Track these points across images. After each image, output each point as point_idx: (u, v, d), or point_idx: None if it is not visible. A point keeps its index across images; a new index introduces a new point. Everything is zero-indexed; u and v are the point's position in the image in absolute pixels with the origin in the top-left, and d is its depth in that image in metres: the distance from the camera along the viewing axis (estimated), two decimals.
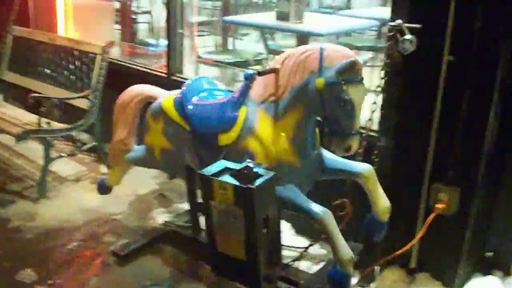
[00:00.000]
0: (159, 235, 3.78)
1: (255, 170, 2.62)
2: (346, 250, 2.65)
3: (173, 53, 4.57)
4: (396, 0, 3.06)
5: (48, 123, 4.42)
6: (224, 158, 2.83)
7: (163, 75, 4.69)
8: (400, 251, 3.13)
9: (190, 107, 3.09)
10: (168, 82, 4.43)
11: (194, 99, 3.11)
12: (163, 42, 5.21)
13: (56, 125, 4.58)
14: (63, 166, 4.90)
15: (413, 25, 2.94)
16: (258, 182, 2.56)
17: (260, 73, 2.83)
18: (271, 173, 2.62)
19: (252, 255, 2.70)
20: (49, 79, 5.19)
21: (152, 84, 3.61)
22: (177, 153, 3.21)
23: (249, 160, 2.66)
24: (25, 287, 3.37)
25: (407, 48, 2.94)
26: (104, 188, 3.96)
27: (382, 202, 2.84)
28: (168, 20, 4.52)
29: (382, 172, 3.00)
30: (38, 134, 4.42)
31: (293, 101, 2.69)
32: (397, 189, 3.12)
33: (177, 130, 3.14)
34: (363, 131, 3.04)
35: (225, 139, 2.90)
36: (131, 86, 3.62)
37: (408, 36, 2.92)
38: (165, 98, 3.27)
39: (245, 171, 2.62)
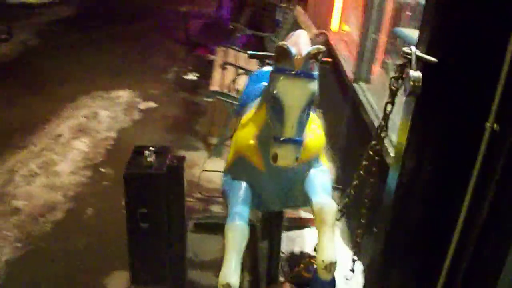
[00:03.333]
0: None
1: (149, 159, 2.37)
2: (225, 274, 2.07)
3: (361, 60, 3.96)
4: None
5: None
6: None
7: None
8: None
9: None
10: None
11: None
12: None
13: None
14: None
15: (428, 57, 1.91)
16: (133, 170, 2.32)
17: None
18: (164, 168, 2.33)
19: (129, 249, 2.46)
20: None
21: None
22: None
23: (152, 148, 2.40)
24: None
25: (408, 88, 1.95)
26: None
27: (321, 254, 2.08)
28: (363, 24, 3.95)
29: None
30: None
31: (264, 94, 2.30)
32: None
33: None
34: None
35: None
36: None
37: (414, 73, 1.91)
38: None
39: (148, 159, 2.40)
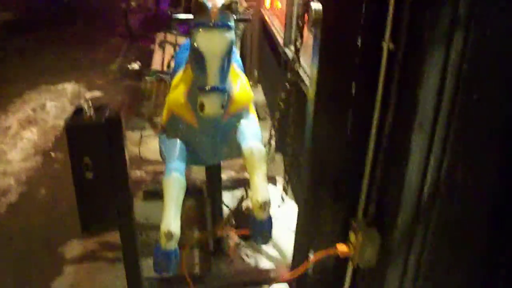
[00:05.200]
0: None
1: (88, 114, 2.55)
2: (166, 223, 2.22)
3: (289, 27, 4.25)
4: None
5: None
6: None
7: None
8: None
9: None
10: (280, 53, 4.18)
11: None
12: None
13: None
14: None
15: None
16: (74, 122, 2.49)
17: None
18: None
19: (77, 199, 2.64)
20: None
21: None
22: None
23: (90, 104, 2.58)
24: None
25: (311, 19, 2.20)
26: None
27: (255, 194, 2.25)
28: None
29: None
30: None
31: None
32: None
33: None
34: None
35: None
36: None
37: (315, 5, 2.17)
38: None
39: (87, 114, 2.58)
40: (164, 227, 2.20)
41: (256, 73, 6.68)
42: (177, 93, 2.41)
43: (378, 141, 2.18)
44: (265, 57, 6.21)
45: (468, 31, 1.78)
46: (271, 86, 5.34)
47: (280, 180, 4.05)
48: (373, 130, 2.20)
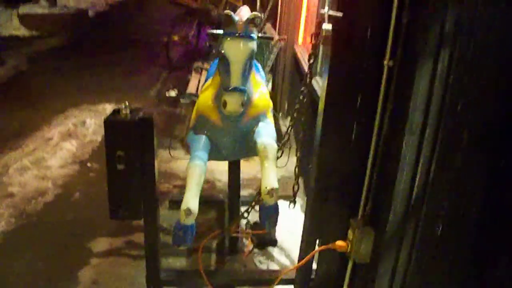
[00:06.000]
0: None
1: (124, 112, 2.90)
2: (186, 201, 2.56)
3: None
4: None
5: None
6: None
7: None
8: None
9: None
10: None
11: None
12: None
13: None
14: None
15: (336, 13, 2.47)
16: (111, 119, 2.85)
17: None
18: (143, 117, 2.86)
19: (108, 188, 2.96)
20: None
21: None
22: None
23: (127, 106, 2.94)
24: None
25: (321, 37, 2.53)
26: None
27: (264, 181, 2.58)
28: None
29: None
30: None
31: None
32: None
33: None
34: None
35: None
36: None
37: (325, 26, 2.50)
38: None
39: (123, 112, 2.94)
40: (184, 205, 2.54)
41: (286, 105, 7.01)
42: (205, 96, 2.84)
43: (376, 146, 2.45)
44: (295, 91, 6.53)
45: (454, 46, 2.07)
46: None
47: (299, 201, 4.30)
48: (374, 138, 2.47)
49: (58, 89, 8.02)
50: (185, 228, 2.59)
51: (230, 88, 2.53)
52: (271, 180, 2.58)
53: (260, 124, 2.82)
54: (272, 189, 2.55)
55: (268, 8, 8.12)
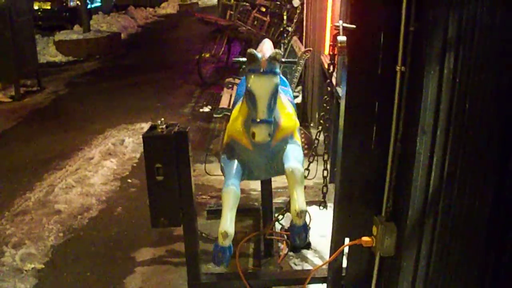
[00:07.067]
0: None
1: (161, 127, 3.15)
2: (223, 225, 2.77)
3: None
4: None
5: None
6: None
7: None
8: None
9: None
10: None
11: None
12: None
13: None
14: None
15: (349, 25, 2.68)
16: (149, 134, 3.10)
17: None
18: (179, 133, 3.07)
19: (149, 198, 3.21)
20: None
21: None
22: None
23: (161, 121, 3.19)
24: None
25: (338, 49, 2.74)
26: None
27: (294, 204, 2.77)
28: None
29: None
30: None
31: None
32: None
33: None
34: None
35: None
36: None
37: (340, 38, 2.71)
38: None
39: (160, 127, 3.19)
40: (221, 228, 2.74)
41: (317, 115, 7.19)
42: (236, 122, 2.99)
43: (394, 147, 2.63)
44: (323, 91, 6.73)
45: (457, 50, 2.25)
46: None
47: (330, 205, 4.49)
48: (392, 139, 2.65)
49: (96, 111, 8.41)
50: (223, 250, 2.81)
51: (257, 121, 2.68)
52: (299, 203, 2.75)
53: (288, 146, 2.99)
54: (301, 211, 2.74)
55: (294, 21, 8.44)
